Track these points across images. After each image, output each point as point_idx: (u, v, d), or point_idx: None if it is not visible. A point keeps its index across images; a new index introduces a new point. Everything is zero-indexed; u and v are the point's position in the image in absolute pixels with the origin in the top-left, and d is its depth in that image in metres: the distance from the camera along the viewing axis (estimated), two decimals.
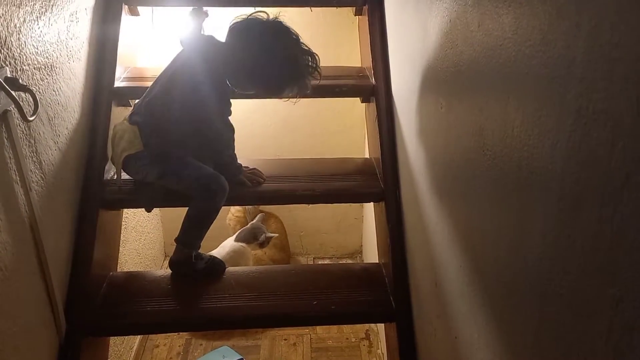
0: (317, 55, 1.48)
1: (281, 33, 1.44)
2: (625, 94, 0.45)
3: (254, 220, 2.59)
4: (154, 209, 1.71)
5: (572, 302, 0.55)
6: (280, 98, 1.50)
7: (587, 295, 0.52)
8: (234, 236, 2.51)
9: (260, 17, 1.45)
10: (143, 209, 1.69)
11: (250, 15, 1.46)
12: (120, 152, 1.47)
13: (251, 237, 2.49)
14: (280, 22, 1.45)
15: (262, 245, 2.51)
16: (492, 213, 0.79)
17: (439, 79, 1.07)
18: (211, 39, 1.52)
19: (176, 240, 1.53)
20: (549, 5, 0.58)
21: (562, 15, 0.55)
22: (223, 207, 1.53)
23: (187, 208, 1.52)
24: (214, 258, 1.61)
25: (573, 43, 0.53)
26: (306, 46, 1.47)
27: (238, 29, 1.46)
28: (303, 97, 1.50)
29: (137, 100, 1.55)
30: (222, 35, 1.51)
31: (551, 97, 0.58)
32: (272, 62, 1.42)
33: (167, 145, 1.49)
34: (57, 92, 1.33)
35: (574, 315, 0.55)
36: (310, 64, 1.47)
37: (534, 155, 0.63)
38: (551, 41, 0.58)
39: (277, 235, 2.66)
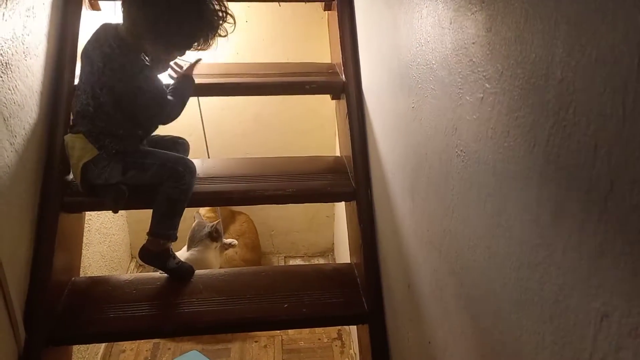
0: None
1: None
2: (609, 97, 0.42)
3: (194, 224, 2.47)
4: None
5: (553, 314, 0.52)
6: (199, 49, 1.43)
7: (570, 309, 0.49)
8: (185, 246, 2.42)
9: None
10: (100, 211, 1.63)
11: None
12: (77, 161, 1.42)
13: (202, 238, 2.39)
14: None
15: (215, 238, 2.41)
16: (467, 216, 0.77)
17: (411, 76, 1.05)
18: (105, 24, 1.45)
19: (149, 233, 1.48)
20: (525, 2, 0.56)
21: (539, 13, 0.53)
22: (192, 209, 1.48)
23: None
24: (184, 262, 1.57)
25: (551, 42, 0.51)
26: None
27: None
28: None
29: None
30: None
31: (528, 97, 0.56)
32: (173, 12, 1.34)
33: (121, 141, 1.44)
34: (12, 91, 1.26)
35: (555, 328, 0.52)
36: (215, 5, 1.39)
37: (510, 158, 0.61)
38: (527, 40, 0.56)
39: (218, 221, 2.52)
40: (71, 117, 1.52)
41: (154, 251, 1.49)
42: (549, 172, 0.52)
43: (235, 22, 1.44)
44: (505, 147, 0.62)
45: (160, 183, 1.45)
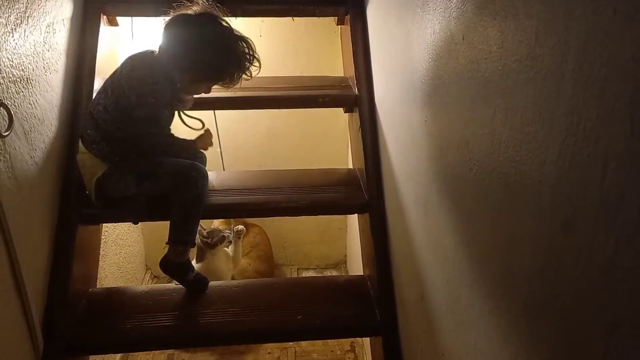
0: (250, 40, 1.48)
1: (212, 23, 1.44)
2: (618, 113, 0.43)
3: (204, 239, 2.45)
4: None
5: (564, 325, 0.53)
6: (223, 86, 1.50)
7: (580, 320, 0.50)
8: (194, 259, 2.41)
9: (187, 12, 1.44)
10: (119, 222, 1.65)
11: (176, 11, 1.45)
12: (90, 178, 1.45)
13: (212, 246, 2.40)
14: (210, 13, 1.45)
15: (213, 245, 2.41)
16: (479, 229, 0.78)
17: (423, 91, 1.06)
18: (147, 51, 1.50)
19: (169, 241, 1.50)
20: (535, 20, 0.57)
21: (549, 31, 0.54)
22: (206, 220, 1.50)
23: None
24: (200, 274, 1.58)
25: (562, 59, 0.52)
26: (239, 32, 1.47)
27: (170, 27, 1.45)
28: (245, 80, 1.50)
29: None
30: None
31: (539, 113, 0.57)
32: (206, 49, 1.43)
33: (129, 151, 1.47)
34: (33, 105, 1.29)
35: (567, 339, 0.53)
36: (245, 49, 1.46)
37: (522, 172, 0.62)
38: (539, 56, 0.57)
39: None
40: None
41: (176, 262, 1.51)
42: (561, 186, 0.53)
43: (260, 66, 1.50)
44: (517, 162, 0.63)
45: (175, 190, 1.48)
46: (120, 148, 1.46)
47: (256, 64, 1.49)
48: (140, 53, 1.49)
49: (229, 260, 2.48)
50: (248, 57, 1.47)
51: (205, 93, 1.53)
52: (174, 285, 1.60)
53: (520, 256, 0.63)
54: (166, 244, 1.50)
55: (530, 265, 0.61)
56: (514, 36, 0.63)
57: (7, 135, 1.11)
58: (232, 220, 2.73)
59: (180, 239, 1.50)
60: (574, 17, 0.50)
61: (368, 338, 1.83)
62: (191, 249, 1.55)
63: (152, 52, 1.48)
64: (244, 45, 1.46)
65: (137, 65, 1.45)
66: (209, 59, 1.43)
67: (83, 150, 1.48)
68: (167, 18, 1.45)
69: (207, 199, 1.54)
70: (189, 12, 1.43)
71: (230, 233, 2.49)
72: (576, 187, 0.50)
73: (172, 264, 1.51)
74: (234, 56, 1.45)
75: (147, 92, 1.40)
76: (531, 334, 0.61)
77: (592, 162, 0.47)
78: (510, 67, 0.64)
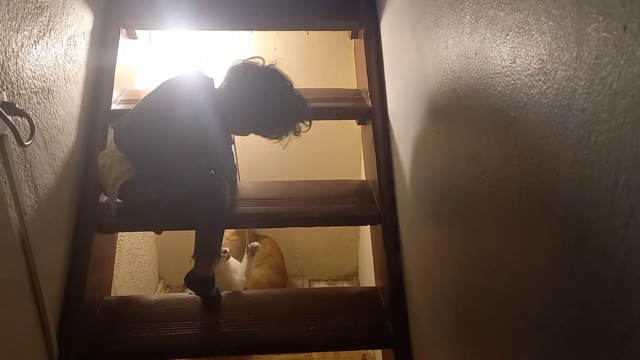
0: (308, 102, 1.55)
1: (275, 79, 1.52)
2: (628, 127, 0.44)
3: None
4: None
5: (576, 337, 0.54)
6: (270, 139, 1.57)
7: (592, 331, 0.51)
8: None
9: (257, 62, 1.53)
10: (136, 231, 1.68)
11: (247, 60, 1.54)
12: (114, 182, 1.47)
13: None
14: (275, 69, 1.53)
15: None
16: (491, 241, 0.79)
17: (436, 104, 1.07)
18: (211, 81, 1.57)
19: (195, 254, 1.49)
20: (548, 36, 0.58)
21: (561, 46, 0.55)
22: None
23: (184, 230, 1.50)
24: (217, 288, 1.59)
25: (574, 74, 0.53)
26: (298, 93, 1.54)
27: (234, 73, 1.53)
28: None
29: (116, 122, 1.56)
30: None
31: (551, 126, 0.58)
32: (265, 106, 1.50)
33: (163, 163, 1.51)
34: (53, 116, 1.32)
35: (578, 352, 0.54)
36: (301, 110, 1.54)
37: (534, 185, 0.63)
38: (550, 71, 0.58)
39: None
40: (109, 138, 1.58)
41: (202, 277, 1.50)
42: (572, 198, 0.54)
43: (310, 127, 1.58)
44: (530, 175, 0.64)
45: (199, 199, 1.49)
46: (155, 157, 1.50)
47: (307, 123, 1.56)
48: (199, 79, 1.55)
49: (239, 272, 2.50)
50: (302, 117, 1.54)
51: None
52: (187, 294, 1.62)
53: (533, 268, 0.64)
54: (192, 257, 1.50)
55: (543, 278, 0.61)
56: (526, 52, 0.64)
57: (29, 144, 1.13)
58: (246, 232, 2.75)
59: (208, 248, 1.49)
60: (585, 33, 0.51)
61: (380, 350, 1.83)
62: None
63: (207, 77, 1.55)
64: (301, 106, 1.53)
65: (198, 96, 1.52)
66: (264, 115, 1.50)
67: (112, 152, 1.50)
68: (237, 62, 1.54)
69: None
70: (257, 63, 1.52)
71: (245, 248, 2.52)
72: (588, 200, 0.51)
73: (199, 278, 1.50)
74: (290, 117, 1.53)
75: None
76: (544, 346, 0.62)
77: (603, 175, 0.48)
78: (522, 82, 0.65)
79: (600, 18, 0.48)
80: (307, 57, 2.62)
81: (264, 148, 2.80)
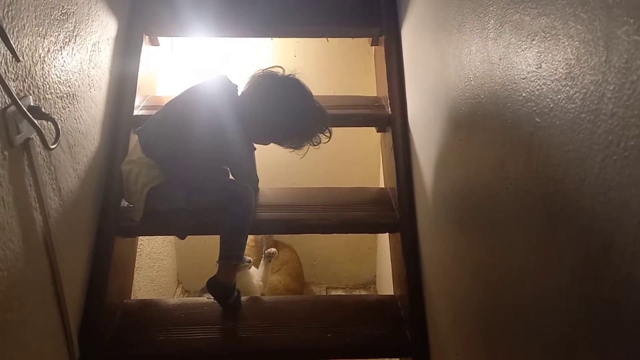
0: (327, 112, 1.56)
1: (295, 89, 1.53)
2: None
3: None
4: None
5: (602, 347, 0.53)
6: (287, 148, 1.58)
7: (619, 341, 0.50)
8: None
9: (277, 72, 1.54)
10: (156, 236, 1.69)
11: (267, 69, 1.55)
12: (142, 187, 1.49)
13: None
14: (296, 79, 1.54)
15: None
16: (515, 248, 0.78)
17: (458, 111, 1.07)
18: (235, 87, 1.59)
19: (220, 259, 1.49)
20: (576, 40, 0.58)
21: (590, 51, 0.55)
22: None
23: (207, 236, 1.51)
24: (239, 293, 1.59)
25: (602, 79, 0.52)
26: (318, 103, 1.54)
27: (254, 81, 1.54)
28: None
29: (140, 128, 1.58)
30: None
31: (579, 131, 0.57)
32: (282, 116, 1.51)
33: (189, 169, 1.54)
34: (77, 120, 1.34)
35: (605, 359, 0.53)
36: (320, 120, 1.54)
37: (560, 191, 0.62)
38: (578, 76, 0.57)
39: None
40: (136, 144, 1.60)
41: (224, 283, 1.50)
42: (599, 204, 0.53)
43: (330, 138, 1.58)
44: (556, 181, 0.63)
45: (224, 206, 1.51)
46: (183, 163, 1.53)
47: (327, 133, 1.56)
48: (223, 85, 1.57)
49: (256, 277, 2.50)
50: (321, 127, 1.54)
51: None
52: (205, 299, 1.62)
53: (558, 276, 0.63)
54: (217, 262, 1.50)
55: (568, 285, 0.60)
56: (553, 56, 0.63)
57: (54, 148, 1.15)
58: (264, 239, 2.76)
59: (232, 253, 1.49)
60: (615, 36, 0.50)
61: (398, 359, 1.82)
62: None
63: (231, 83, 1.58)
64: (321, 116, 1.54)
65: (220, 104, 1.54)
66: (282, 124, 1.52)
67: (139, 158, 1.52)
68: (257, 72, 1.56)
69: None
70: (278, 73, 1.54)
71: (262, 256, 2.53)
72: (617, 205, 0.50)
73: (221, 285, 1.50)
74: (308, 127, 1.53)
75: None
76: (569, 355, 0.61)
77: (632, 181, 0.48)
78: (548, 87, 0.65)
79: (631, 21, 0.47)
80: (327, 64, 2.62)
81: (282, 154, 2.81)
